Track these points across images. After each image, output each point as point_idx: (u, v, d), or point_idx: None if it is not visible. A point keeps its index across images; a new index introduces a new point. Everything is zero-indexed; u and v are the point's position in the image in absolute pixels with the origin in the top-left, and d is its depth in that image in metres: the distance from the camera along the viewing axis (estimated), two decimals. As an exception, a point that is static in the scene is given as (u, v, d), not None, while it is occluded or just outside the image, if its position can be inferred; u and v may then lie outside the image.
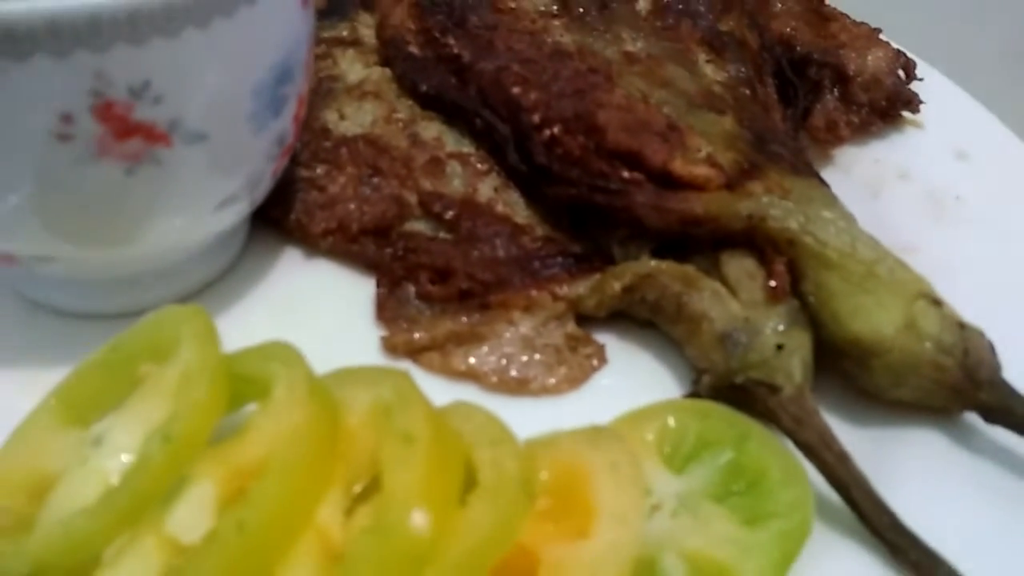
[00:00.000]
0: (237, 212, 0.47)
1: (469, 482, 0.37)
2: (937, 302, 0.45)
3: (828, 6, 0.67)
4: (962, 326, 0.44)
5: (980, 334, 0.44)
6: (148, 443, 0.36)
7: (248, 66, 0.41)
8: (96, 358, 0.42)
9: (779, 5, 0.66)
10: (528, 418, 0.40)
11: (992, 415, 0.44)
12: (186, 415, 0.37)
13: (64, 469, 0.38)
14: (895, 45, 0.65)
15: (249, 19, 0.39)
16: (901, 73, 0.64)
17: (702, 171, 0.49)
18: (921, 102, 0.64)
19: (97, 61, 0.36)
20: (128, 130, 0.39)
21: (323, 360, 0.40)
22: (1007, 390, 0.43)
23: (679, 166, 0.49)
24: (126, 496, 0.36)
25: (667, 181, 0.49)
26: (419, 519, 0.33)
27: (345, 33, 0.64)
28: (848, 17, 0.66)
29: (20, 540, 0.36)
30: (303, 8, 0.44)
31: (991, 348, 0.44)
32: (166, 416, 0.37)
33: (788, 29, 0.64)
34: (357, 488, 0.38)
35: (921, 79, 0.65)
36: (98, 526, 0.35)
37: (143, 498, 0.36)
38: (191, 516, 0.36)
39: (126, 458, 0.37)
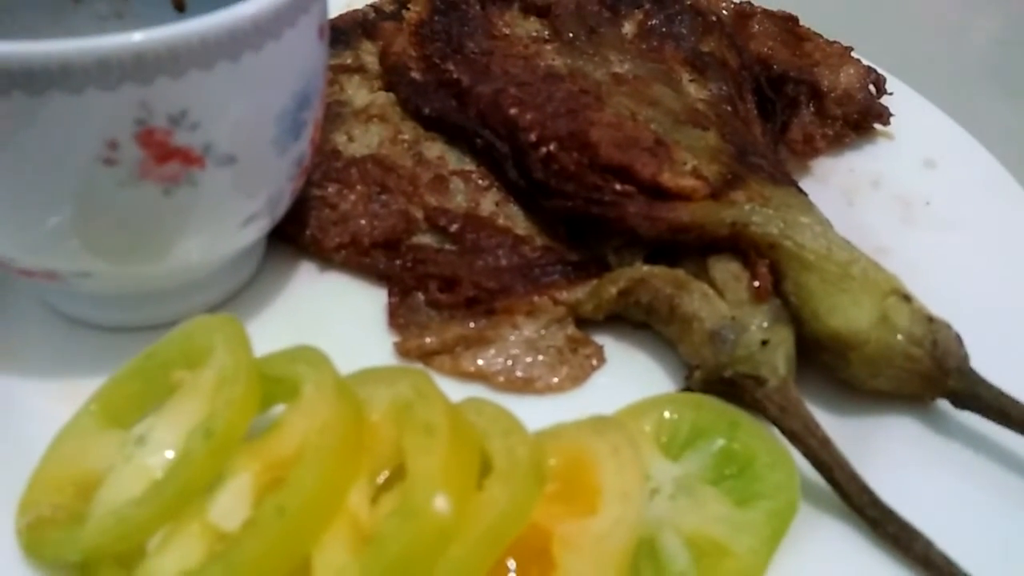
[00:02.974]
0: (259, 228, 0.49)
1: (484, 469, 0.39)
2: (907, 298, 0.47)
3: (803, 27, 0.68)
4: (931, 319, 0.46)
5: (947, 326, 0.46)
6: (191, 438, 0.39)
7: (273, 94, 0.44)
8: (132, 366, 0.44)
9: (757, 27, 0.67)
10: (533, 415, 0.43)
11: (961, 401, 0.46)
12: (225, 411, 0.39)
13: (108, 467, 0.41)
14: (866, 62, 0.66)
15: (275, 52, 0.42)
16: (872, 88, 0.65)
17: (689, 183, 0.51)
18: (891, 115, 0.65)
19: (141, 92, 0.39)
20: (167, 154, 0.41)
21: (341, 365, 0.42)
22: (974, 377, 0.45)
23: (667, 178, 0.51)
24: (172, 487, 0.38)
25: (657, 193, 0.51)
26: (442, 502, 0.36)
27: (349, 60, 0.66)
28: (822, 37, 0.68)
29: (73, 531, 0.39)
30: (320, 40, 0.47)
31: (958, 339, 0.46)
32: (205, 415, 0.40)
33: (765, 49, 0.66)
34: (381, 479, 0.40)
35: (891, 93, 0.66)
36: (147, 515, 0.38)
37: (187, 489, 0.38)
38: (231, 505, 0.38)
39: (169, 454, 0.40)
